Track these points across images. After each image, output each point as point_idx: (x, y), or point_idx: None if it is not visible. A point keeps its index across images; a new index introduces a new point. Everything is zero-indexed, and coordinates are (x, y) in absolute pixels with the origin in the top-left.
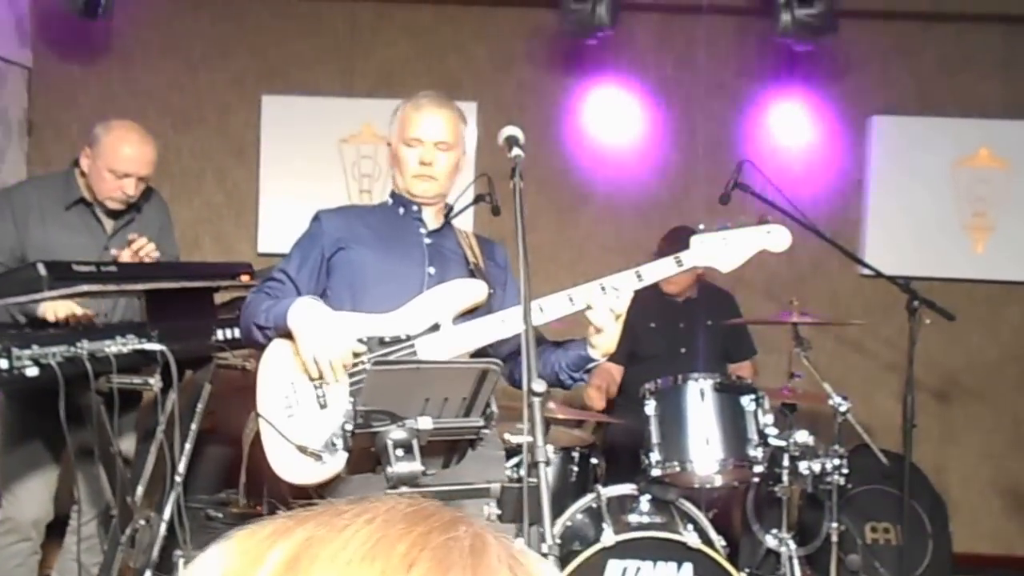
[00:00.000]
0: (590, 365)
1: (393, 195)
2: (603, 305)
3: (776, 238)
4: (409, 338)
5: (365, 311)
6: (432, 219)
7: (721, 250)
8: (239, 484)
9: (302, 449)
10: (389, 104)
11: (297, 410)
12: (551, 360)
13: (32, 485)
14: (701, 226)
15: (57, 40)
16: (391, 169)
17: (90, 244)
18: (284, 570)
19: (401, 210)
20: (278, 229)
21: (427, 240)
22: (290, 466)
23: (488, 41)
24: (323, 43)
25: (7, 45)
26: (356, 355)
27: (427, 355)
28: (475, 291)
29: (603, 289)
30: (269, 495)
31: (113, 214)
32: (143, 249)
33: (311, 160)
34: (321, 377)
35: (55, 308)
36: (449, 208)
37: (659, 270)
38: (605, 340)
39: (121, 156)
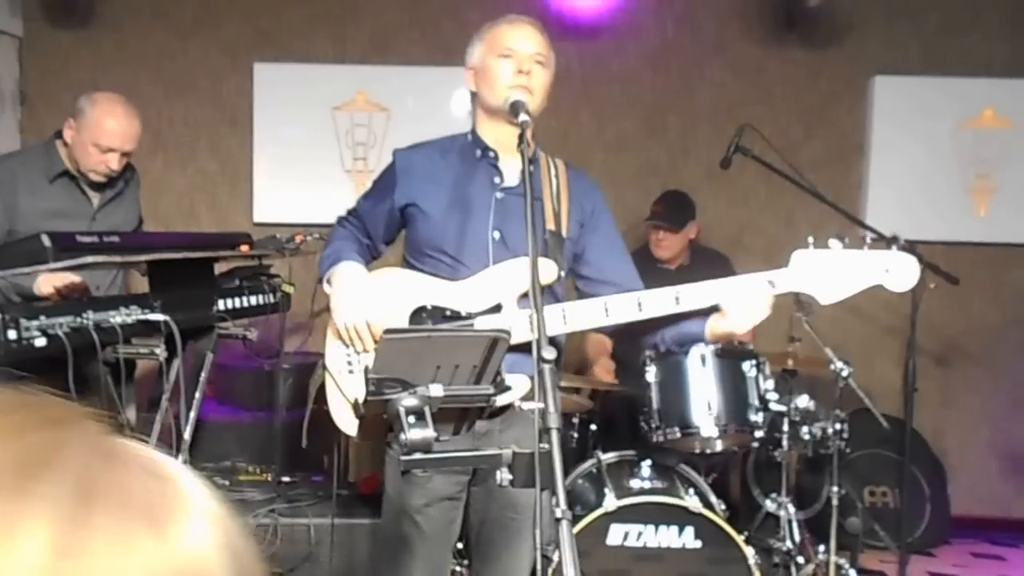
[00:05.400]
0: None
1: (473, 133)
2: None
3: (899, 274)
4: (470, 316)
5: (430, 271)
6: (511, 171)
7: (827, 274)
8: (303, 428)
9: (354, 406)
10: (382, 71)
11: (356, 367)
12: (662, 332)
13: None
14: (810, 239)
15: (47, 9)
16: (472, 104)
17: (76, 217)
18: None
19: (478, 152)
20: (273, 197)
21: (497, 195)
22: (346, 419)
23: (482, 5)
24: (315, 10)
25: None
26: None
27: None
28: (544, 273)
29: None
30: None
31: (98, 187)
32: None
33: (304, 128)
34: (352, 344)
35: (51, 280)
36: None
37: (745, 285)
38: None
39: (106, 130)
